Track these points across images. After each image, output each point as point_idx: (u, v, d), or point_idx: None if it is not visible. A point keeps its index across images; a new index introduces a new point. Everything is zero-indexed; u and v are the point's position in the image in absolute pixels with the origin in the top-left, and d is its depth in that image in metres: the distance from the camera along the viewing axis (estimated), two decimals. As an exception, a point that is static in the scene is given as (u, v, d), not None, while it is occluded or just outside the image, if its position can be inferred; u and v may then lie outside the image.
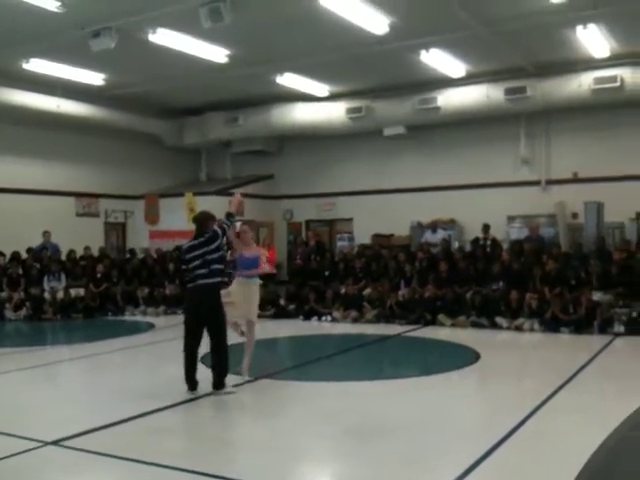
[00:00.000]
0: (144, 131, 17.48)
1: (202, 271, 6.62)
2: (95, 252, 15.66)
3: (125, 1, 10.29)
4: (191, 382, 6.70)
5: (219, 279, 6.78)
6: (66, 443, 5.03)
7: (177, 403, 6.29)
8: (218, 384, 6.65)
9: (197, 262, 6.65)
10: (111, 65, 13.62)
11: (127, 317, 14.02)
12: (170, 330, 12.12)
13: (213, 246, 6.67)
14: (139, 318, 13.76)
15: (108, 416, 5.73)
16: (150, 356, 9.80)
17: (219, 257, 6.77)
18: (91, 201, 17.27)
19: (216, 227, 6.79)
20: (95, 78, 14.58)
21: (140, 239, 17.65)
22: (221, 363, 6.67)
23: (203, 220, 6.86)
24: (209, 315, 6.64)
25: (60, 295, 13.94)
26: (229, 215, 7.00)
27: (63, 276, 14.35)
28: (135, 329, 12.42)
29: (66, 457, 4.81)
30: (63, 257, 15.03)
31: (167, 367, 8.51)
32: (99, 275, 14.57)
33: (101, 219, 17.58)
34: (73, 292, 14.13)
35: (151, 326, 12.57)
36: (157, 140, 18.10)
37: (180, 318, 13.50)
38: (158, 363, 9.03)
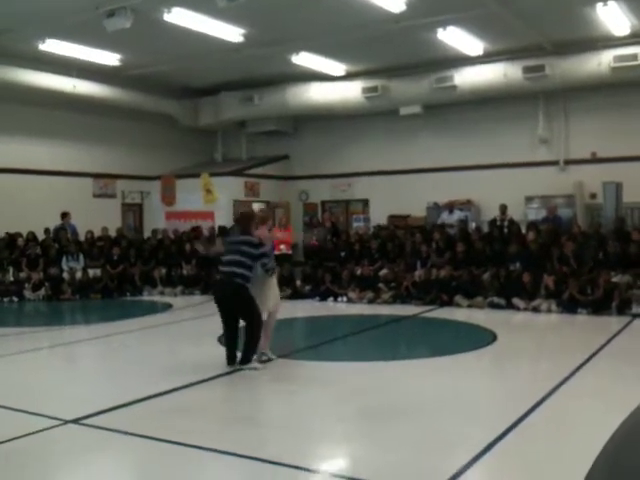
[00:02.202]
0: (160, 111, 17.49)
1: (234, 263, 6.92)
2: (113, 233, 15.78)
3: (140, -19, 10.26)
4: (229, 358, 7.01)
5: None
6: (86, 421, 5.11)
7: (196, 382, 6.35)
8: (242, 359, 6.88)
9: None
10: (126, 45, 13.60)
11: (145, 297, 14.15)
12: (188, 310, 12.26)
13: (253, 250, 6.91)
14: (157, 298, 13.88)
15: (128, 395, 5.81)
16: (168, 336, 9.89)
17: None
18: (108, 182, 17.36)
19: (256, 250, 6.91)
20: (111, 58, 14.59)
21: (156, 220, 17.75)
22: (248, 341, 6.89)
23: (246, 221, 7.13)
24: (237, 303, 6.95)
25: (79, 275, 14.08)
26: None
27: (81, 257, 14.49)
28: (153, 309, 12.55)
29: (86, 435, 4.89)
30: (81, 238, 15.18)
31: (185, 347, 8.63)
32: (116, 256, 14.68)
33: (118, 200, 17.69)
34: (91, 272, 14.27)
35: (169, 306, 12.68)
36: (173, 121, 18.11)
37: (197, 299, 13.75)
38: (176, 343, 9.12)
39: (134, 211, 18.31)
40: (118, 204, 17.68)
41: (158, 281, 14.58)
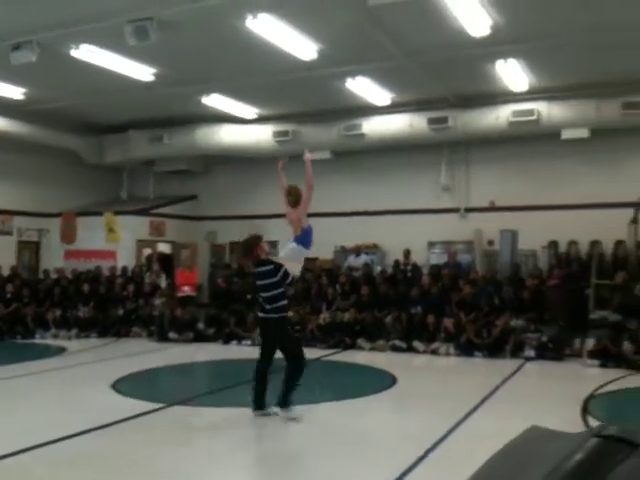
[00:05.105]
0: (63, 147, 16.92)
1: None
2: (6, 271, 14.96)
3: (47, 15, 9.98)
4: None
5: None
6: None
7: (85, 430, 6.02)
8: (284, 402, 6.69)
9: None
10: (32, 79, 13.14)
11: (37, 340, 13.38)
12: (82, 354, 11.70)
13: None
14: (50, 341, 13.17)
15: (14, 444, 5.43)
16: (60, 381, 9.37)
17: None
18: (4, 218, 16.53)
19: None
20: (15, 92, 14.06)
21: (55, 259, 16.99)
22: (290, 377, 6.79)
23: (249, 248, 7.32)
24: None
25: (-34, 316, 13.22)
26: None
27: (-30, 296, 13.65)
28: (45, 353, 11.89)
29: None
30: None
31: (78, 392, 8.20)
32: (9, 295, 13.91)
33: (14, 237, 16.85)
34: (-20, 313, 13.42)
35: (62, 350, 12.06)
36: (76, 157, 17.55)
37: (93, 342, 13.18)
38: (68, 389, 8.65)
39: (30, 249, 17.48)
40: (14, 242, 16.84)
41: (51, 323, 13.82)
